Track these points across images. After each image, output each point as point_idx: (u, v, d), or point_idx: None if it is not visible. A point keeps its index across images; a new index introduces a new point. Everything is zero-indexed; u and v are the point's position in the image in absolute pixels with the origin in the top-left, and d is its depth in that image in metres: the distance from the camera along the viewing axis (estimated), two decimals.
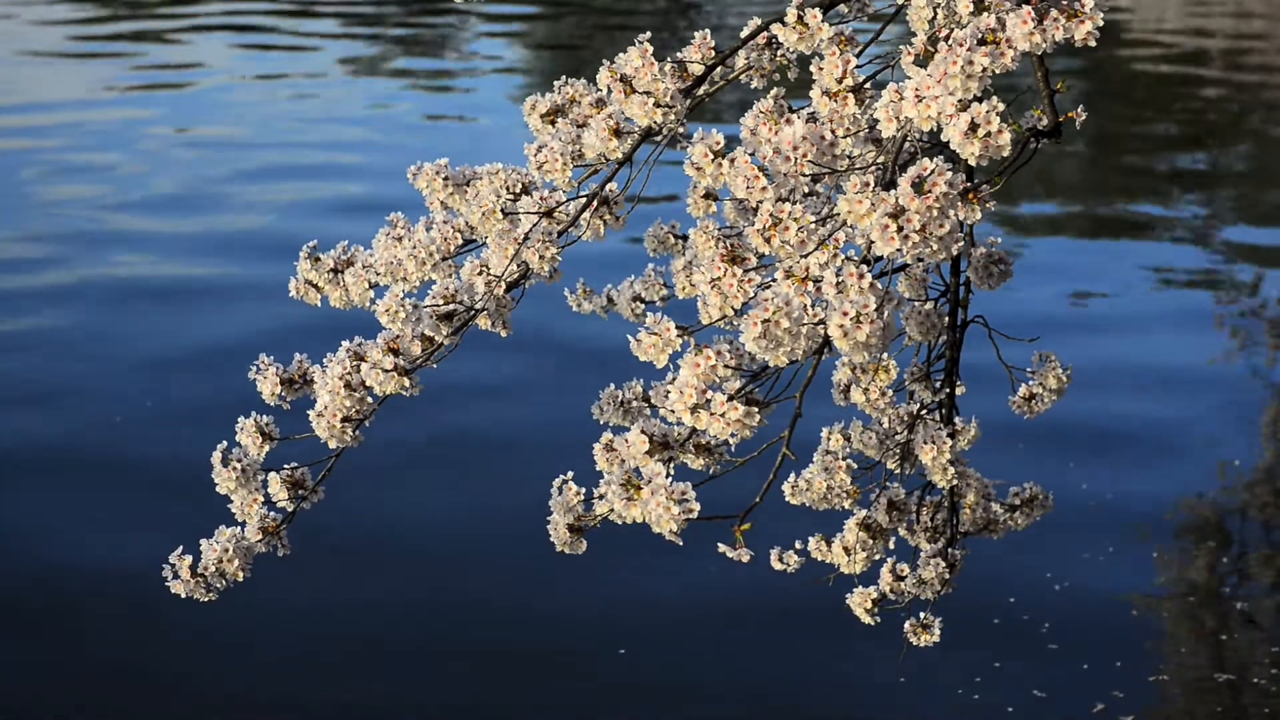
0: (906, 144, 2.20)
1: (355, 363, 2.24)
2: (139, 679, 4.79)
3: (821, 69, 2.11)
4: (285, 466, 2.33)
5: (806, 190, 2.04)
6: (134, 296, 8.32)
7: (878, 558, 2.59)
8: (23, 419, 6.68)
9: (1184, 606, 5.33)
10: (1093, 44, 1.92)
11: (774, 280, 2.01)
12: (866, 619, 2.67)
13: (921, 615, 2.68)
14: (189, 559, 2.25)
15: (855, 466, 2.49)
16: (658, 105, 2.14)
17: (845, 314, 1.93)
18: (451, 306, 2.25)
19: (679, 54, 2.23)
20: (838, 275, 1.95)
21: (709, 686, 4.80)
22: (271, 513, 2.31)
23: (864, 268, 1.95)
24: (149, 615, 5.05)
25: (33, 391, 6.98)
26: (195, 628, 4.98)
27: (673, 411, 2.05)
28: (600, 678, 4.84)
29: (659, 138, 2.23)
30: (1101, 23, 1.92)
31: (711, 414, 2.03)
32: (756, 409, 2.05)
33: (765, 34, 2.31)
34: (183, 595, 2.25)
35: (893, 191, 1.91)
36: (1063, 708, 4.70)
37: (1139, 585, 5.47)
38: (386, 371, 2.21)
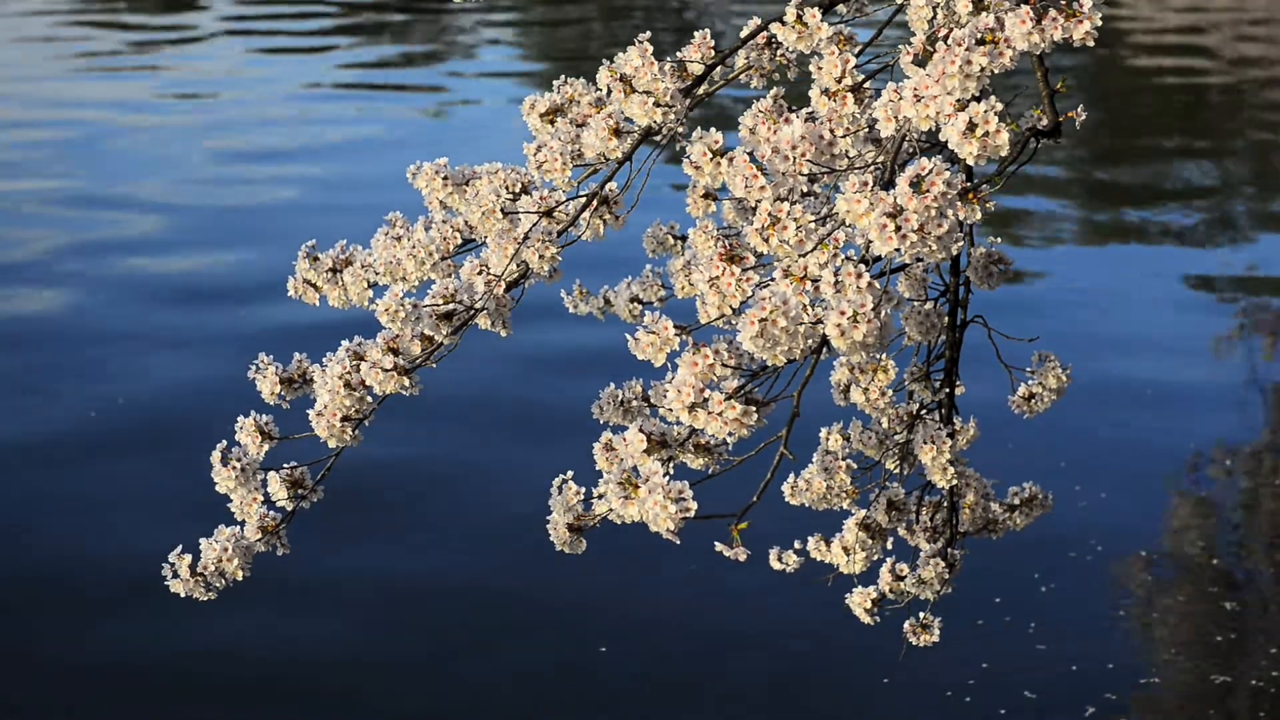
0: (905, 143, 2.21)
1: (355, 362, 2.24)
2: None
3: (820, 68, 2.11)
4: (285, 466, 2.33)
5: (805, 190, 2.04)
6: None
7: (877, 558, 2.59)
8: None
9: (1176, 607, 5.32)
10: (1091, 43, 1.92)
11: (772, 279, 2.01)
12: (866, 619, 2.67)
13: (921, 615, 2.68)
14: (188, 558, 2.26)
15: (855, 466, 2.49)
16: (657, 105, 2.14)
17: (842, 313, 1.93)
18: (451, 306, 2.25)
19: (679, 53, 2.23)
20: (836, 275, 1.95)
21: (696, 687, 4.80)
22: (271, 512, 2.31)
23: (862, 267, 1.95)
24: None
25: None
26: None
27: (671, 410, 2.05)
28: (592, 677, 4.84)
29: (659, 137, 2.24)
30: (1100, 22, 1.92)
31: (709, 413, 2.03)
32: (754, 408, 2.05)
33: (765, 33, 2.31)
34: (182, 594, 2.26)
35: (891, 191, 1.91)
36: (1054, 709, 4.69)
37: (1130, 585, 5.46)
38: (386, 371, 2.21)
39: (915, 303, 2.58)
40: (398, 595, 5.33)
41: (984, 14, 1.96)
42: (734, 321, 2.04)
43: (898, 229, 1.91)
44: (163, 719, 4.65)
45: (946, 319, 2.59)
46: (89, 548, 5.61)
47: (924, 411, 2.59)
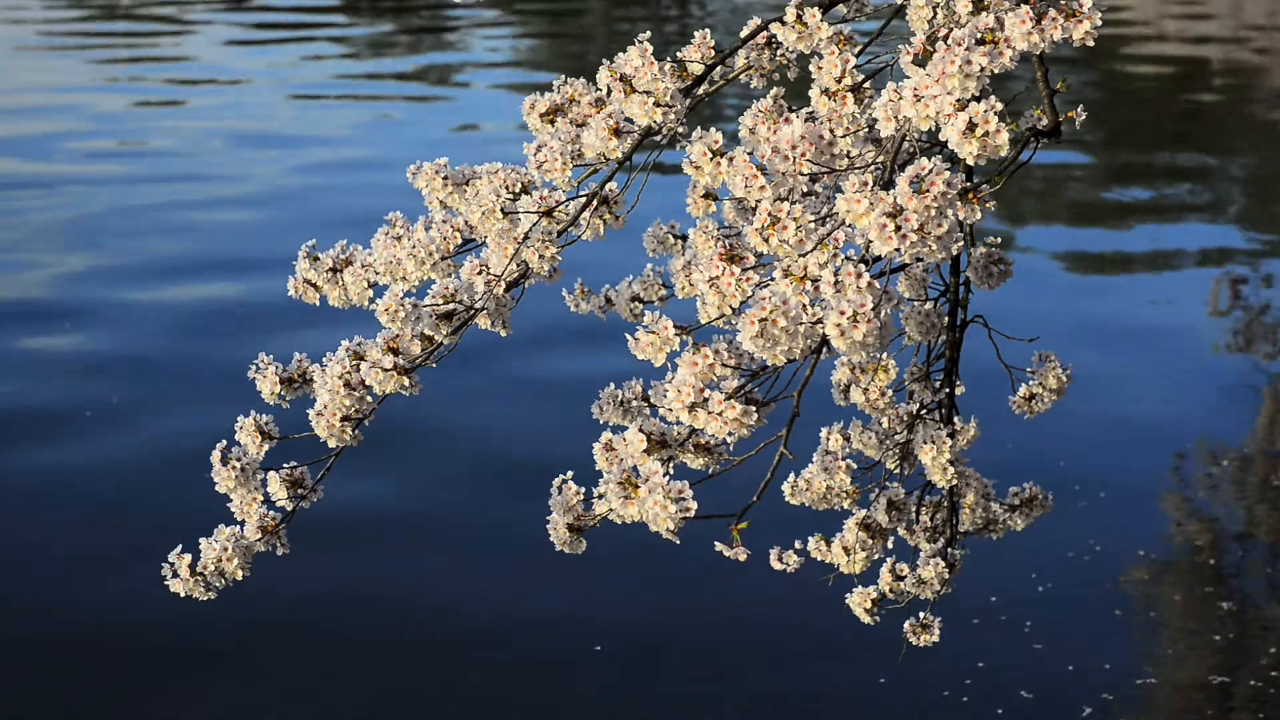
0: (905, 143, 2.21)
1: (355, 362, 2.24)
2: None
3: (820, 68, 2.11)
4: (285, 465, 2.33)
5: (805, 189, 2.04)
6: None
7: (877, 558, 2.59)
8: None
9: (1174, 607, 5.32)
10: (1091, 43, 1.92)
11: (772, 279, 2.01)
12: (866, 619, 2.66)
13: (921, 615, 2.68)
14: (188, 558, 2.26)
15: (855, 466, 2.49)
16: (657, 104, 2.14)
17: (842, 313, 1.93)
18: (451, 306, 2.26)
19: (679, 53, 2.23)
20: (836, 274, 1.95)
21: (691, 687, 4.80)
22: (271, 511, 2.31)
23: (862, 267, 1.95)
24: None
25: None
26: None
27: (671, 410, 2.05)
28: (579, 680, 4.84)
29: (659, 137, 2.24)
30: (1100, 22, 1.92)
31: (709, 413, 2.03)
32: (754, 408, 2.05)
33: (765, 33, 2.32)
34: (182, 594, 2.26)
35: (891, 191, 1.91)
36: (1052, 710, 4.69)
37: (1128, 585, 5.46)
38: (386, 371, 2.21)
39: (915, 303, 2.58)
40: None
41: (984, 14, 1.96)
42: (734, 321, 2.04)
43: (898, 229, 1.91)
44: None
45: (946, 319, 2.59)
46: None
47: (924, 411, 2.59)
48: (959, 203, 1.91)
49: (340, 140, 12.21)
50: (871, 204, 1.91)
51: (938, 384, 2.61)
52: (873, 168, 2.24)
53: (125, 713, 4.63)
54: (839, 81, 2.10)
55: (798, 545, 2.54)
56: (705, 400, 2.04)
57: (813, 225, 1.99)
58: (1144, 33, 17.95)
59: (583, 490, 2.23)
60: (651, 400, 2.44)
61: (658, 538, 2.08)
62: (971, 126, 1.91)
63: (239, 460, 2.29)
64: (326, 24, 18.70)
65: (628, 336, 2.11)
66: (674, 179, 2.34)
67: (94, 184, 10.69)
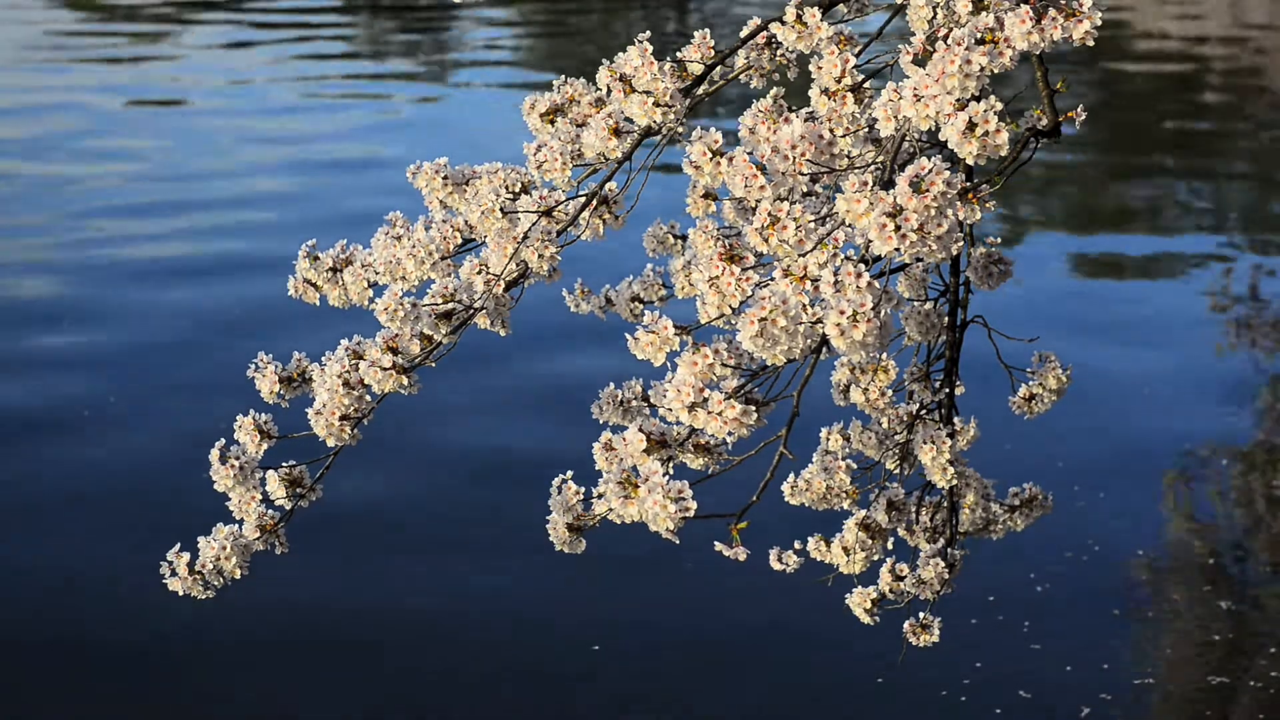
0: (905, 143, 2.21)
1: (354, 361, 2.24)
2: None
3: (820, 68, 2.11)
4: (284, 464, 2.33)
5: (805, 189, 2.04)
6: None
7: (877, 558, 2.59)
8: None
9: (1172, 607, 5.32)
10: (1091, 43, 1.92)
11: (772, 279, 2.01)
12: (866, 619, 2.67)
13: (921, 615, 2.68)
14: (186, 556, 2.26)
15: (855, 466, 2.49)
16: (657, 104, 2.14)
17: (842, 313, 1.93)
18: (450, 305, 2.26)
19: (679, 53, 2.23)
20: (835, 274, 1.95)
21: (692, 688, 4.80)
22: (270, 510, 2.31)
23: (862, 267, 1.95)
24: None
25: None
26: None
27: (670, 410, 2.05)
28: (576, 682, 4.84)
29: (659, 137, 2.24)
30: (1100, 22, 1.92)
31: (709, 412, 2.03)
32: (754, 408, 2.05)
33: (765, 33, 2.32)
34: (180, 593, 2.26)
35: (891, 191, 1.91)
36: (1049, 710, 4.68)
37: (1126, 585, 5.46)
38: (385, 370, 2.21)
39: (915, 303, 2.58)
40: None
41: (984, 14, 1.96)
42: (734, 321, 2.04)
43: (898, 229, 1.91)
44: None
45: (946, 319, 2.59)
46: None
47: (924, 411, 2.59)
48: (959, 203, 1.91)
49: (339, 139, 12.21)
50: (871, 204, 1.91)
51: (938, 384, 2.61)
52: (873, 168, 2.24)
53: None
54: (839, 81, 2.10)
55: (797, 545, 2.54)
56: (705, 400, 2.04)
57: (813, 225, 1.99)
58: (1144, 29, 17.97)
59: (582, 490, 2.23)
60: (651, 400, 2.44)
61: (652, 540, 2.08)
62: (971, 126, 1.91)
63: (237, 459, 2.29)
64: (326, 24, 18.71)
65: (628, 336, 2.11)
66: (674, 178, 2.34)
67: (95, 183, 10.69)
